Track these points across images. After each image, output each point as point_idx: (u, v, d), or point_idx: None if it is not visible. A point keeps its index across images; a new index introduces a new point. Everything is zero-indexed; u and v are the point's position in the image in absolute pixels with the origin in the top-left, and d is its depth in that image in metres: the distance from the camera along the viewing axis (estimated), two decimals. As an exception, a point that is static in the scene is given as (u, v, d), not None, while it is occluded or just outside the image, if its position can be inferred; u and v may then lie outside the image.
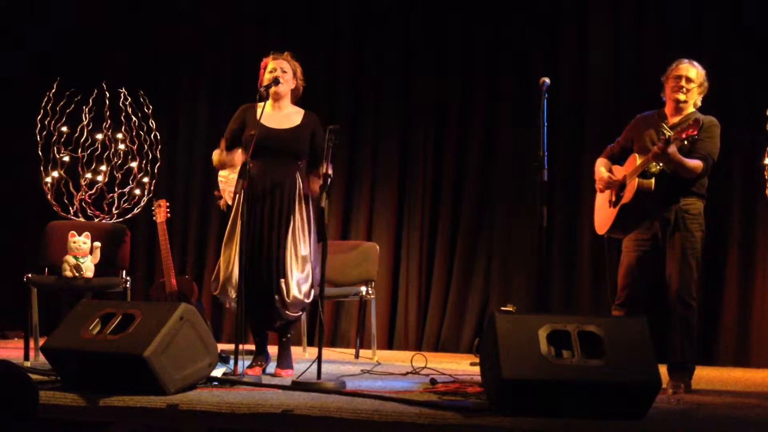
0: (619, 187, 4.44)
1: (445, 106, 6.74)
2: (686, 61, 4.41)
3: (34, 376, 3.33)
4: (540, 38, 6.56)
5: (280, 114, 4.55)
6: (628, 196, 4.34)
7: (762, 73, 5.99)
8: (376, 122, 6.86)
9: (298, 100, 4.67)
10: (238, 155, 4.50)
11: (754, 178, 5.76)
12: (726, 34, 6.11)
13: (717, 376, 5.14)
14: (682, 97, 4.35)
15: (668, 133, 4.21)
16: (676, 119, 4.38)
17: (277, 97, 4.55)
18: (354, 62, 6.94)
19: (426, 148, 6.73)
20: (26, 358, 4.99)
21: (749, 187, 5.92)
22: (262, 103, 4.40)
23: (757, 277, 5.93)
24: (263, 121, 4.39)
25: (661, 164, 4.24)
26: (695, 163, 4.24)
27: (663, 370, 3.53)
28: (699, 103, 4.43)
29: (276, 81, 4.48)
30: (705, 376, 4.85)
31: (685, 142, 4.15)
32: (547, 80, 4.02)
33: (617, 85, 6.33)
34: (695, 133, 4.10)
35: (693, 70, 4.37)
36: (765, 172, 5.43)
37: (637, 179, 4.28)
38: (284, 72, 4.54)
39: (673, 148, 4.13)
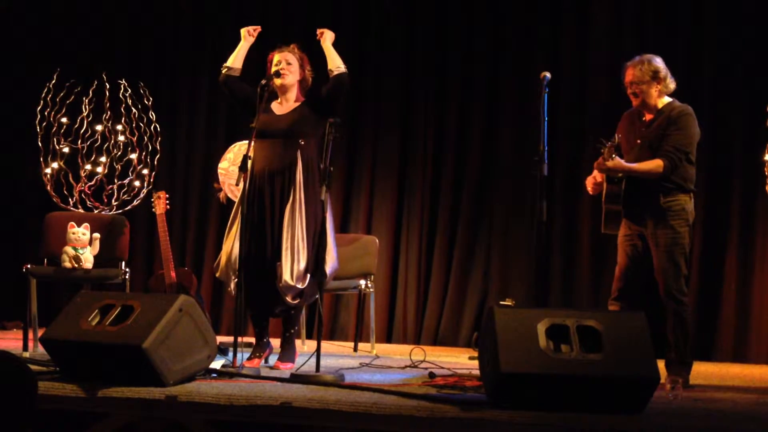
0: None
1: (446, 102, 6.72)
2: (628, 64, 4.42)
3: (32, 367, 3.32)
4: (540, 37, 6.54)
5: (286, 105, 4.58)
6: (604, 198, 4.41)
7: (762, 69, 5.98)
8: (377, 116, 6.84)
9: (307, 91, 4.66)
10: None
11: (753, 174, 5.76)
12: (726, 31, 6.09)
13: (715, 371, 5.15)
14: (636, 102, 4.39)
15: (604, 149, 4.23)
16: (650, 116, 4.41)
17: (283, 90, 4.57)
18: (355, 58, 6.91)
19: (426, 142, 6.72)
20: (25, 348, 4.99)
21: (749, 183, 5.90)
22: (266, 95, 4.43)
23: (755, 272, 5.93)
24: (269, 112, 4.49)
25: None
26: (650, 165, 4.23)
27: (661, 365, 3.54)
28: (671, 87, 4.38)
29: (277, 74, 4.48)
30: (703, 371, 4.85)
31: (638, 141, 4.17)
32: (548, 74, 4.03)
33: (617, 84, 6.30)
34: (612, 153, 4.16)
35: (631, 72, 4.37)
36: (765, 168, 5.42)
37: (605, 184, 4.33)
38: (289, 64, 4.55)
39: (612, 163, 4.17)
